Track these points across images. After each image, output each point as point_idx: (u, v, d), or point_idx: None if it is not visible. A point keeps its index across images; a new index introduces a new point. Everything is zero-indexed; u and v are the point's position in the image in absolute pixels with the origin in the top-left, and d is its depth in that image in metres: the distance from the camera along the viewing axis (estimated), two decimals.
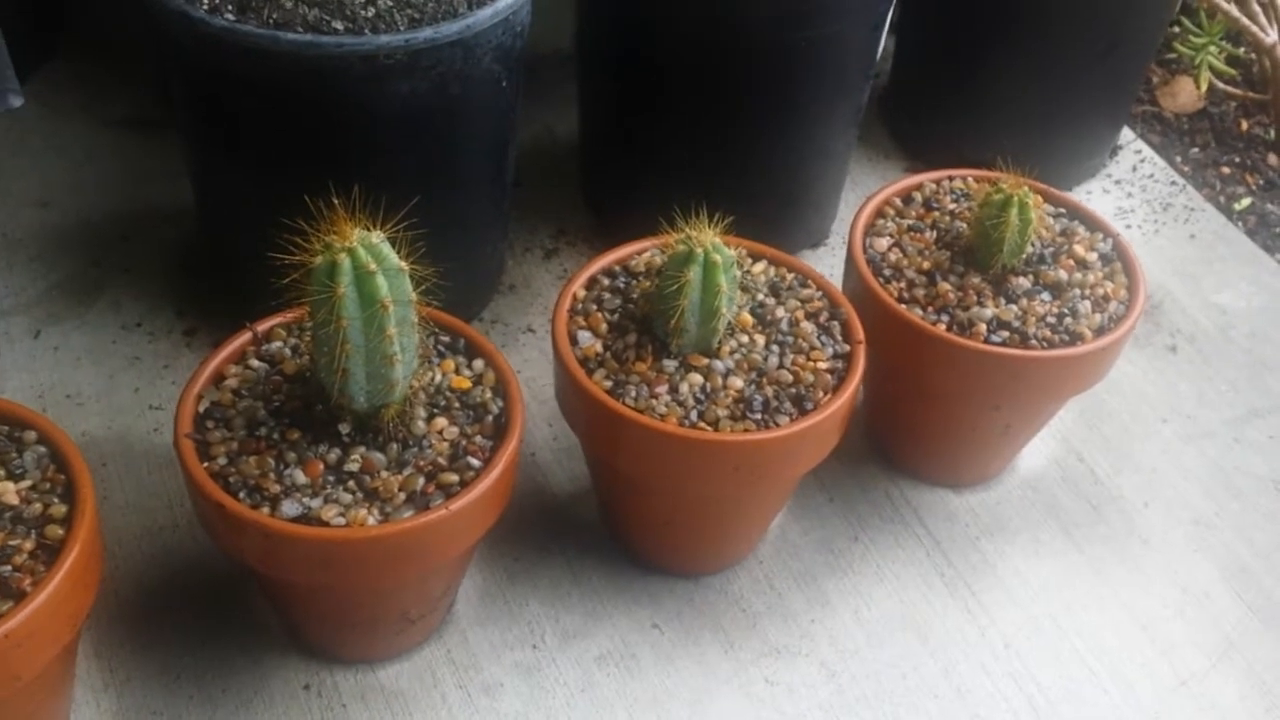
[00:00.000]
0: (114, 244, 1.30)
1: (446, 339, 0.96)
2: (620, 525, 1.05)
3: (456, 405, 0.91)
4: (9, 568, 0.78)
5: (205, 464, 0.85)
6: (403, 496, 0.85)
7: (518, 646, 1.00)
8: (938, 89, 1.50)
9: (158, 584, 1.00)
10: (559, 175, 1.44)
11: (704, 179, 1.23)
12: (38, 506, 0.81)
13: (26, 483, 0.83)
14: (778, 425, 0.91)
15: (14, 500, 0.81)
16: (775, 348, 0.96)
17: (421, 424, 0.89)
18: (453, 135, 1.08)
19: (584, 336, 0.96)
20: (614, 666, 0.99)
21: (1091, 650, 1.04)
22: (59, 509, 0.81)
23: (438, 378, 0.92)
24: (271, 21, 0.98)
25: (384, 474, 0.86)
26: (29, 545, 0.79)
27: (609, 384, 0.93)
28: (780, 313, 0.99)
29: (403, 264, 0.82)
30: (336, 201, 0.81)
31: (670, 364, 0.94)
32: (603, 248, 1.36)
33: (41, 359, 1.17)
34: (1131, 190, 1.55)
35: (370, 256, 0.80)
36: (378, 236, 0.81)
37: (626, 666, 0.99)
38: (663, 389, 0.92)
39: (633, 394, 0.92)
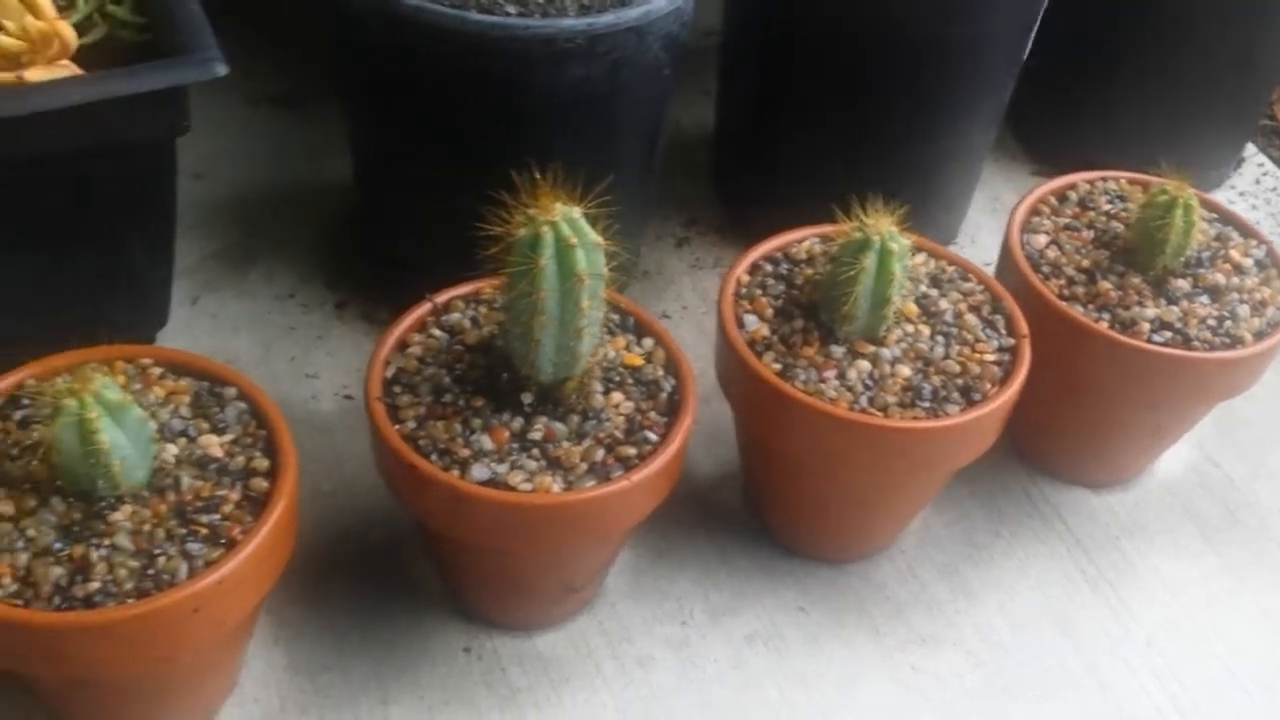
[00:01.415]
0: (266, 217, 1.34)
1: (616, 317, 0.98)
2: (769, 508, 1.07)
3: (630, 381, 0.93)
4: (218, 516, 0.81)
5: (396, 427, 0.87)
6: (584, 466, 0.87)
7: (668, 622, 1.02)
8: (1069, 93, 1.51)
9: (321, 546, 1.03)
10: (688, 166, 1.46)
11: (842, 173, 1.24)
12: (241, 460, 0.84)
13: (229, 437, 0.86)
14: (947, 414, 0.92)
15: (219, 453, 0.84)
16: (940, 338, 0.98)
17: (599, 398, 0.91)
18: (615, 121, 1.10)
19: (750, 320, 0.98)
20: (762, 646, 1.01)
21: (1232, 652, 1.05)
22: (261, 463, 0.84)
23: (610, 354, 0.94)
24: (451, 4, 1.00)
25: (565, 444, 0.88)
26: (235, 496, 0.82)
27: (777, 367, 0.95)
28: (944, 304, 1.01)
29: (599, 239, 0.84)
30: (538, 176, 0.83)
31: (838, 350, 0.96)
32: (734, 238, 1.40)
33: (200, 325, 1.21)
34: (1256, 203, 1.55)
35: (571, 230, 0.82)
36: (578, 211, 0.83)
37: (775, 646, 1.01)
38: (831, 374, 0.94)
39: (801, 378, 0.94)
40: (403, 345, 0.94)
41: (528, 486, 0.85)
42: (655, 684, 0.98)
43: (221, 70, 0.91)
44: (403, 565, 1.03)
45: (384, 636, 0.98)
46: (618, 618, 1.02)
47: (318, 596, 1.00)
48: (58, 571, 0.76)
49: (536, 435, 0.88)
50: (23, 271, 1.00)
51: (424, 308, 0.97)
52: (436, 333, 0.95)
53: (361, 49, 1.09)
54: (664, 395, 0.93)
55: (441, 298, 0.97)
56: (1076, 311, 1.01)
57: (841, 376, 0.94)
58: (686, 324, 1.28)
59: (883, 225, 0.92)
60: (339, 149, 1.41)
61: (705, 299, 1.32)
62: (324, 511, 1.06)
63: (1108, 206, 1.12)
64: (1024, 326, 0.99)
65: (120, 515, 0.79)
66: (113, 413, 0.77)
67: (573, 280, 0.83)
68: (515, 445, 0.88)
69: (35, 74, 0.89)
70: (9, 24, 0.90)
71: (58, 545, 0.77)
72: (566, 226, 0.82)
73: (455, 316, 0.97)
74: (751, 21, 1.28)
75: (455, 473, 0.85)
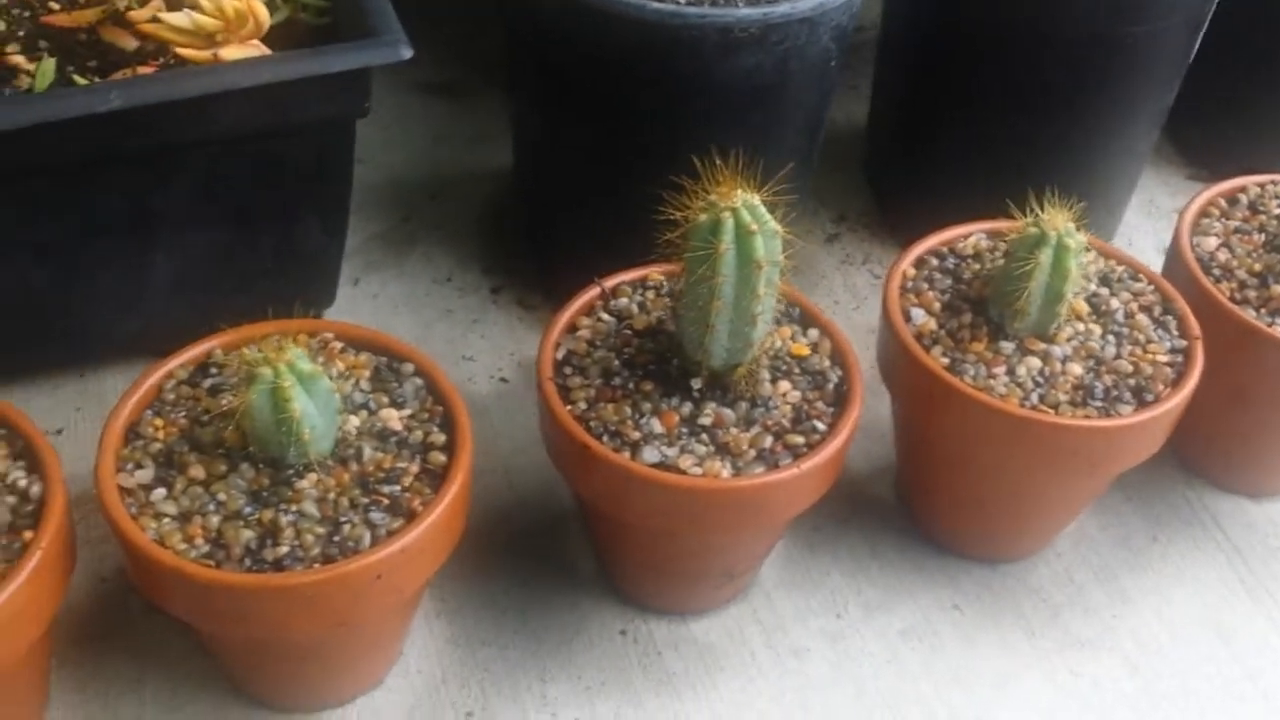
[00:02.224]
0: (424, 202, 1.37)
1: (781, 306, 0.98)
2: (924, 505, 1.06)
3: (797, 371, 0.93)
4: (398, 488, 0.83)
5: (568, 408, 0.89)
6: (753, 453, 0.87)
7: (822, 614, 1.02)
8: (1228, 96, 1.47)
9: (480, 524, 1.04)
10: (838, 160, 1.46)
11: (1001, 171, 1.23)
12: (419, 434, 0.86)
13: (407, 411, 0.88)
14: (1120, 414, 0.91)
15: (398, 427, 0.86)
16: (1111, 337, 0.96)
17: (767, 385, 0.91)
18: (780, 112, 1.10)
19: (917, 314, 0.98)
20: (917, 642, 1.01)
21: None
22: (438, 437, 0.86)
23: (777, 343, 0.95)
24: None
25: (734, 430, 0.88)
26: (414, 469, 0.84)
27: (945, 361, 0.94)
28: (1114, 303, 0.99)
29: (778, 227, 0.84)
30: (718, 163, 0.84)
31: (1007, 346, 0.95)
32: (884, 235, 1.39)
33: (362, 305, 1.24)
34: None
35: (751, 217, 0.83)
36: (757, 198, 0.84)
37: (929, 643, 1.01)
38: (1000, 370, 0.93)
39: (970, 373, 0.93)
40: (572, 328, 0.95)
41: (698, 471, 0.86)
42: (810, 675, 0.98)
43: (406, 53, 0.94)
44: (559, 546, 1.05)
45: (541, 615, 1.00)
46: (772, 607, 1.02)
47: (477, 573, 1.02)
48: (248, 535, 0.79)
49: (706, 421, 0.89)
50: (206, 248, 1.03)
51: (592, 292, 0.98)
52: (605, 317, 0.96)
53: (534, 36, 1.10)
54: (830, 386, 0.93)
55: (609, 283, 0.99)
56: (1249, 315, 0.99)
57: (1011, 373, 0.93)
58: (838, 319, 1.26)
59: (1059, 221, 0.91)
60: (494, 137, 1.44)
61: (855, 294, 1.31)
62: (481, 491, 1.07)
63: (1279, 211, 1.10)
64: (1196, 328, 0.97)
65: (306, 483, 0.82)
66: (304, 382, 0.80)
67: (751, 266, 0.84)
68: (685, 430, 0.88)
69: (229, 52, 0.92)
70: (205, 3, 0.93)
71: (248, 510, 0.80)
72: (747, 213, 0.83)
73: (623, 302, 0.98)
74: (913, 18, 1.27)
75: (626, 455, 0.86)
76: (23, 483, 0.80)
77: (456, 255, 1.31)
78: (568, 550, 1.05)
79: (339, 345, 0.91)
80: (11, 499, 0.79)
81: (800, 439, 0.88)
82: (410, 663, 0.96)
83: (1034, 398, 0.91)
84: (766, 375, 0.92)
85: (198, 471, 0.82)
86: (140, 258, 1.01)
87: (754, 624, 1.01)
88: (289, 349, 0.79)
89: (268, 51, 0.96)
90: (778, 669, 0.98)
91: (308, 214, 1.05)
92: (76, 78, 0.98)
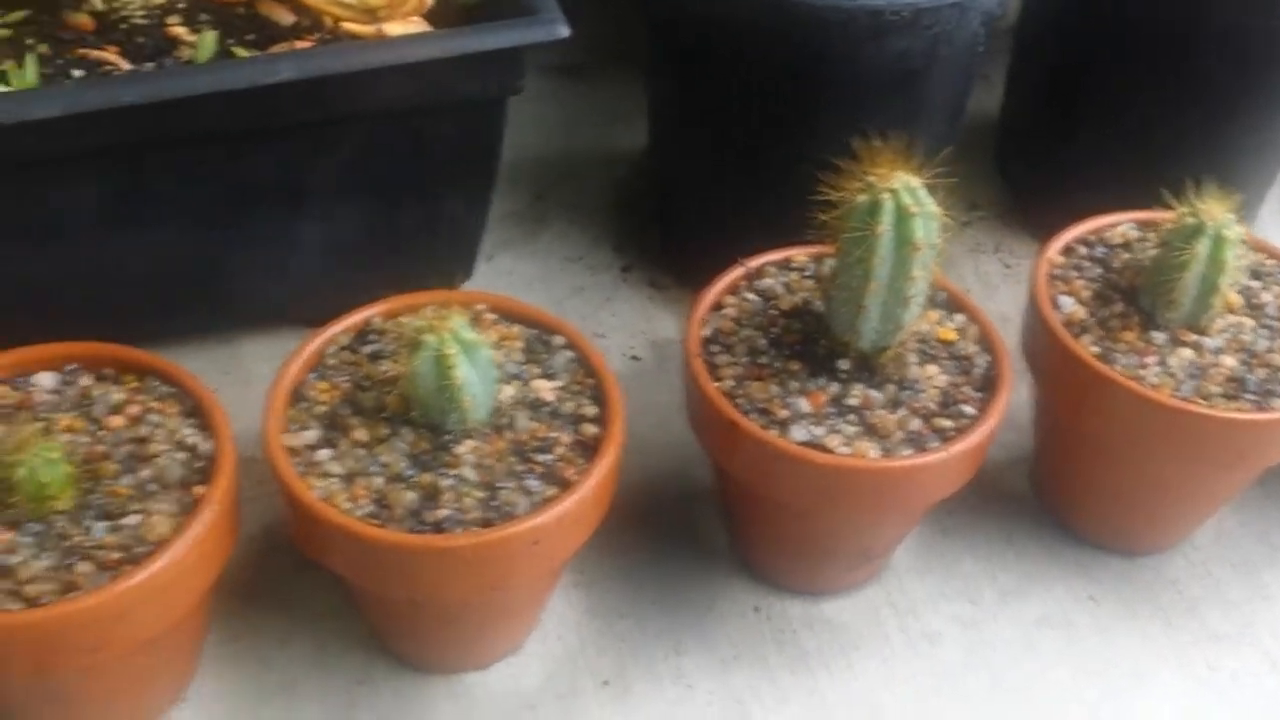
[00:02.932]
0: (554, 181, 1.38)
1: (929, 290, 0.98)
2: (1062, 494, 1.06)
3: (944, 355, 0.93)
4: (552, 457, 0.84)
5: (715, 384, 0.90)
6: (900, 435, 0.88)
7: (956, 600, 1.02)
8: None
9: (615, 498, 1.06)
10: (968, 148, 1.44)
11: (1144, 163, 1.21)
12: (570, 405, 0.88)
13: (558, 383, 0.89)
14: (1273, 408, 0.90)
15: (549, 398, 0.88)
16: (1264, 331, 0.95)
17: (914, 368, 0.91)
18: (925, 97, 1.10)
19: (1066, 302, 0.97)
20: (1052, 630, 1.00)
21: None
22: (590, 409, 0.87)
23: (924, 327, 0.95)
24: None
25: (881, 411, 0.89)
26: (567, 439, 0.85)
27: (1096, 350, 0.93)
28: (1266, 297, 0.98)
29: (937, 210, 0.84)
30: (876, 144, 0.84)
31: (1159, 336, 0.94)
32: (1016, 224, 1.38)
33: (496, 282, 1.26)
34: None
35: (911, 199, 0.83)
36: (917, 180, 0.84)
37: (1065, 633, 1.00)
38: (1152, 360, 0.92)
39: (1121, 362, 0.92)
40: (717, 306, 0.96)
41: (846, 450, 0.86)
42: (944, 660, 0.98)
43: (564, 31, 0.95)
44: (692, 523, 1.06)
45: (675, 590, 1.01)
46: (905, 592, 1.02)
47: (614, 546, 1.03)
48: (410, 496, 0.81)
49: (853, 402, 0.89)
50: (353, 220, 1.05)
51: (736, 272, 0.99)
52: (750, 296, 0.97)
53: (676, 18, 1.11)
54: (977, 371, 0.92)
55: (753, 263, 0.99)
56: None
57: (1163, 363, 0.92)
58: None
59: (1216, 212, 0.90)
60: (624, 119, 1.45)
61: (987, 283, 1.30)
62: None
63: None
64: None
65: (464, 449, 0.84)
66: (467, 351, 0.81)
67: (908, 248, 0.84)
68: (832, 410, 0.89)
69: (393, 28, 0.94)
70: None
71: (409, 472, 0.82)
72: (907, 195, 0.83)
73: (768, 282, 0.98)
74: (1056, 9, 1.26)
75: (774, 432, 0.87)
76: (193, 440, 0.83)
77: (588, 234, 1.32)
78: (701, 527, 1.06)
79: (492, 317, 0.93)
80: (183, 455, 0.82)
81: (948, 422, 0.88)
82: (549, 631, 0.97)
83: (1186, 389, 0.91)
84: (913, 358, 0.92)
85: (361, 434, 0.84)
86: (290, 228, 1.03)
87: (887, 607, 1.01)
88: (453, 317, 0.81)
89: (428, 28, 0.98)
90: (911, 652, 0.98)
91: (453, 190, 1.07)
92: (237, 50, 1.01)
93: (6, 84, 0.92)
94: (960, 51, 1.07)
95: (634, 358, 1.20)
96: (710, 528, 1.06)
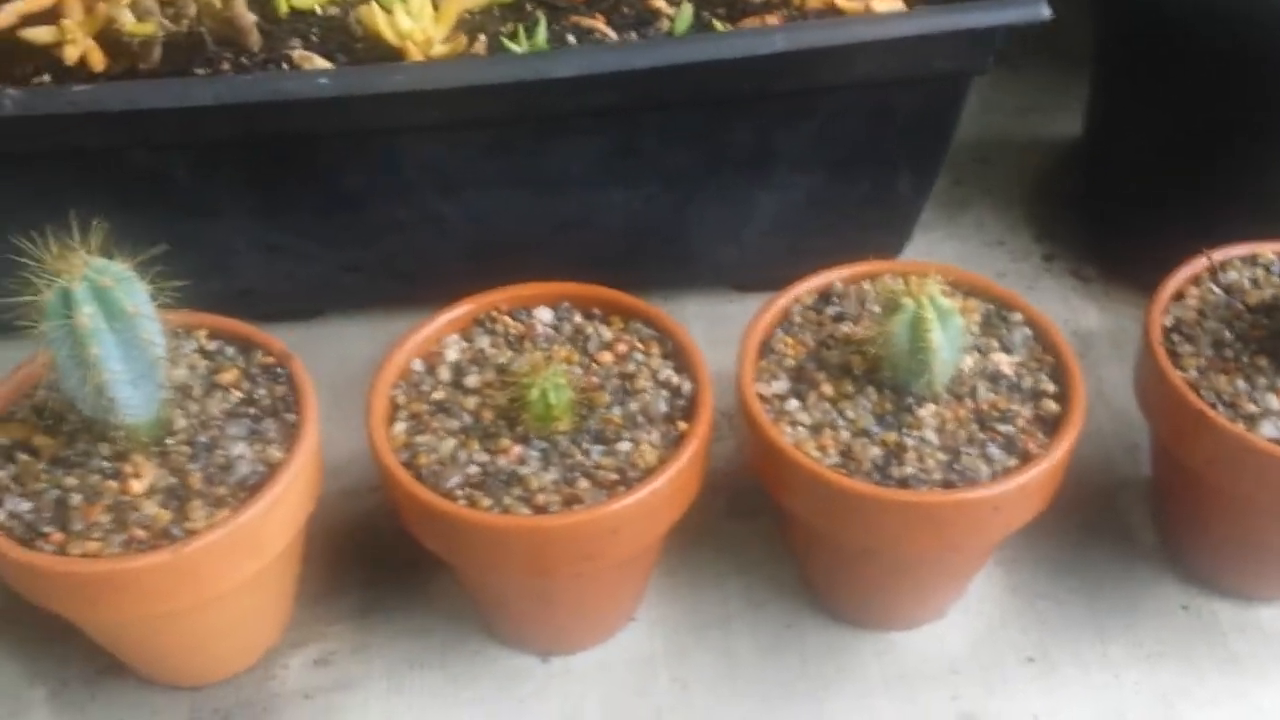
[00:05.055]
0: (974, 166, 1.39)
1: None
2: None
3: None
4: (1012, 429, 0.86)
5: (1178, 374, 0.89)
6: None
7: None
8: None
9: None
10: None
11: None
12: (1029, 381, 0.89)
13: (1017, 358, 0.91)
14: None
15: (1008, 371, 0.90)
16: None
17: None
18: None
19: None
20: None
21: None
22: (1049, 386, 0.89)
23: None
24: None
25: None
26: (1027, 413, 0.87)
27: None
28: None
29: None
30: None
31: None
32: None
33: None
34: None
35: None
36: None
37: None
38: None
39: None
40: (1178, 296, 0.95)
41: None
42: None
43: (1046, 13, 0.96)
44: (1116, 514, 1.05)
45: (1097, 578, 1.01)
46: None
47: (1035, 527, 1.01)
48: (875, 451, 0.84)
49: None
50: (806, 189, 1.10)
51: (1199, 264, 0.97)
52: (1214, 289, 0.96)
53: (1138, 12, 1.10)
54: None
55: (1217, 256, 0.98)
56: None
57: None
58: None
59: None
60: (1042, 109, 1.45)
61: None
62: None
63: None
64: None
65: (926, 412, 0.87)
66: (941, 317, 0.84)
67: None
68: None
69: (880, 4, 0.97)
70: None
71: (874, 429, 0.86)
72: None
73: (1233, 276, 0.96)
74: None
75: (1241, 426, 0.86)
76: (675, 380, 0.90)
77: (1007, 220, 1.33)
78: (1126, 519, 1.05)
79: (948, 288, 0.95)
80: (666, 393, 0.89)
81: None
82: (971, 603, 0.99)
83: None
84: None
85: (827, 389, 0.88)
86: (751, 194, 1.09)
87: None
88: (930, 284, 0.84)
89: (902, 5, 1.01)
90: None
91: (903, 165, 1.10)
92: (716, 23, 1.07)
93: (519, 45, 1.01)
94: None
95: None
96: (1135, 521, 1.05)
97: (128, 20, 0.93)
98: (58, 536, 0.79)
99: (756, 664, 0.95)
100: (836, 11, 1.03)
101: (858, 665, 0.95)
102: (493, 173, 1.03)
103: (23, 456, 0.84)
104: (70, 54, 0.92)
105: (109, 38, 0.97)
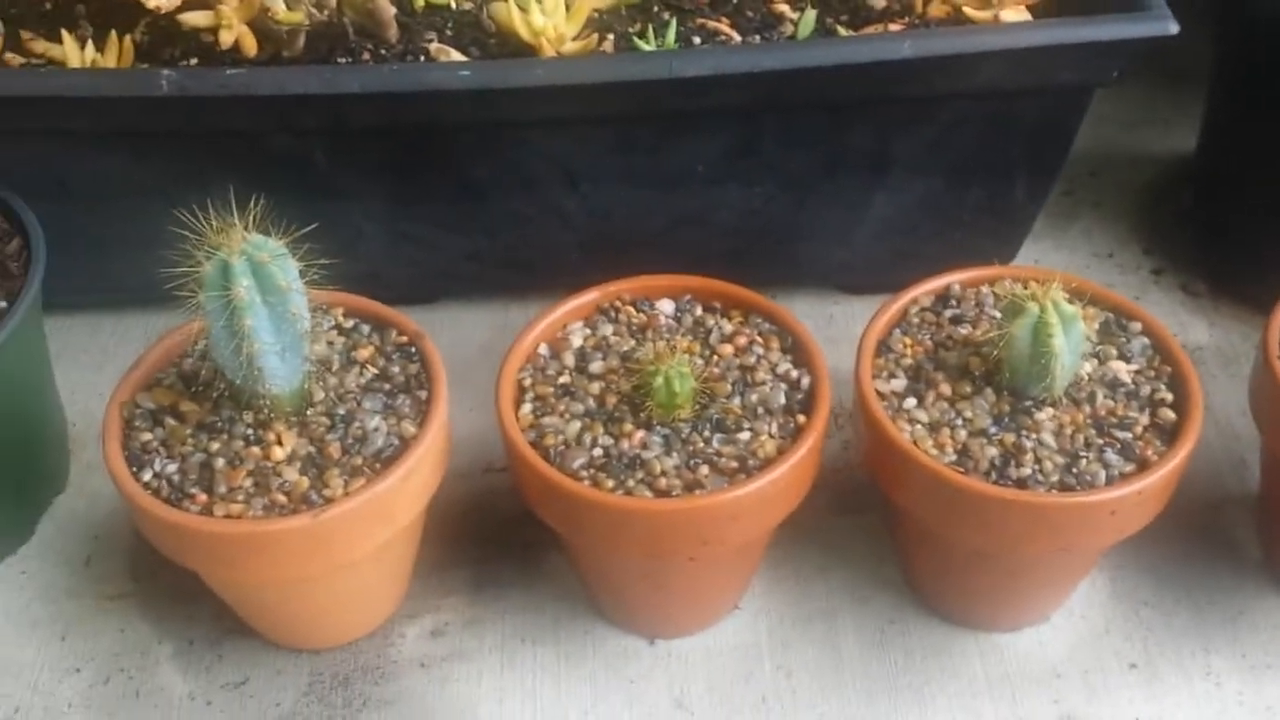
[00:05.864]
0: (1084, 177, 1.40)
1: None
2: None
3: None
4: (1130, 435, 0.87)
5: None
6: None
7: None
8: None
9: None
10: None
11: None
12: (1147, 389, 0.90)
13: (1134, 366, 0.92)
14: None
15: (1126, 379, 0.91)
16: None
17: None
18: None
19: None
20: None
21: None
22: (1166, 395, 0.90)
23: None
24: None
25: None
26: (1144, 420, 0.88)
27: None
28: None
29: None
30: None
31: None
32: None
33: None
34: None
35: None
36: None
37: None
38: None
39: None
40: None
41: None
42: None
43: (1173, 28, 0.97)
44: (1224, 528, 1.05)
45: (1202, 589, 1.01)
46: None
47: (1140, 536, 1.03)
48: (992, 452, 0.86)
49: None
50: (920, 194, 1.11)
51: None
52: None
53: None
54: None
55: None
56: None
57: None
58: None
59: None
60: (1154, 124, 1.46)
61: None
62: None
63: None
64: None
65: (1044, 415, 0.88)
66: (1064, 322, 0.85)
67: None
68: None
69: (1008, 14, 0.99)
70: None
71: (992, 430, 0.87)
72: None
73: None
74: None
75: None
76: (794, 374, 0.92)
77: (1115, 233, 1.33)
78: (1232, 534, 1.05)
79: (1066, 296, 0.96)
80: (785, 386, 0.91)
81: None
82: (1074, 609, 1.00)
83: None
84: None
85: (945, 389, 0.90)
86: (866, 197, 1.10)
87: None
88: (1054, 289, 0.86)
89: (1027, 16, 1.02)
90: None
91: (1020, 174, 1.11)
92: (839, 28, 1.09)
93: (648, 44, 1.04)
94: None
95: None
96: (1241, 536, 1.05)
97: (280, 8, 0.96)
98: (202, 498, 0.83)
99: (860, 657, 0.97)
100: (960, 20, 1.05)
101: (961, 664, 0.96)
102: (616, 168, 1.06)
103: (170, 421, 0.88)
104: (225, 38, 0.96)
105: (257, 24, 1.01)
